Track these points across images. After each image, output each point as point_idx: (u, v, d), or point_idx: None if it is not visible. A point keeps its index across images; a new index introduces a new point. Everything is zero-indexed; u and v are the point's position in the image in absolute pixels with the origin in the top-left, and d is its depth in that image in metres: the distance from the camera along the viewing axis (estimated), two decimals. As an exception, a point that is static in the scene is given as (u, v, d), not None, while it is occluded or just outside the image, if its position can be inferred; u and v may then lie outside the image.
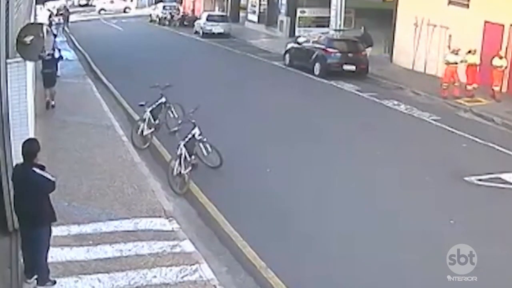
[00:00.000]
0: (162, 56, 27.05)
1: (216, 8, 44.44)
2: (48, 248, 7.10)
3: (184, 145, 10.83)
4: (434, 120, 16.11)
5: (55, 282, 7.16)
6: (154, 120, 13.30)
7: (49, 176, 6.87)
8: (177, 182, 10.70)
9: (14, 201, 7.17)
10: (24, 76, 8.22)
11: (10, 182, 8.02)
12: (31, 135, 9.22)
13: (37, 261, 7.01)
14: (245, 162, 12.07)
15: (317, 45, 22.59)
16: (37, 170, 6.75)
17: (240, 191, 10.65)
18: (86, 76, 20.99)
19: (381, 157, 12.77)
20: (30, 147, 6.83)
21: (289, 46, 24.81)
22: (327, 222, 9.52)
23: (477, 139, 14.19)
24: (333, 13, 27.96)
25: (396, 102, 18.07)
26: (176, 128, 12.29)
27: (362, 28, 24.85)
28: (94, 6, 58.79)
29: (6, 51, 7.87)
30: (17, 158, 8.03)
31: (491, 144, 13.77)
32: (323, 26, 29.34)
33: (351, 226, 9.35)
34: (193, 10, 48.02)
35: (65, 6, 53.75)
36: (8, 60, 7.92)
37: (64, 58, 17.80)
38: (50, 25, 31.98)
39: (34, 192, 6.78)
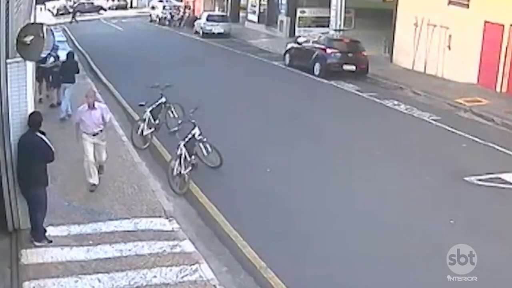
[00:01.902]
0: (162, 56, 27.09)
1: (216, 8, 44.45)
2: (45, 210, 8.17)
3: (184, 145, 10.83)
4: (434, 120, 16.11)
5: (51, 241, 8.10)
6: (154, 120, 13.29)
7: (49, 144, 8.12)
8: (177, 182, 10.70)
9: (17, 167, 8.06)
10: (24, 76, 8.22)
11: (10, 182, 8.07)
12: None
13: (33, 219, 8.12)
14: (245, 162, 12.08)
15: (317, 45, 22.59)
16: (39, 135, 8.07)
17: (240, 191, 10.65)
18: (85, 76, 20.96)
19: (381, 157, 12.77)
20: (35, 118, 8.15)
21: (289, 46, 24.82)
22: (327, 222, 9.52)
23: (477, 139, 14.19)
24: (333, 13, 27.97)
25: (396, 102, 18.07)
26: (176, 128, 12.28)
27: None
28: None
29: (6, 51, 7.88)
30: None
31: (491, 144, 13.77)
32: (323, 26, 29.34)
33: (351, 226, 9.36)
34: (193, 10, 48.03)
35: (65, 6, 53.76)
36: (8, 60, 7.92)
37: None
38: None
39: (33, 154, 7.96)
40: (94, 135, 10.22)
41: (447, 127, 15.31)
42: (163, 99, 13.61)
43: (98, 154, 10.42)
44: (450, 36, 21.18)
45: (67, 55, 15.86)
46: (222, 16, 38.32)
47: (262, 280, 7.73)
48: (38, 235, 8.11)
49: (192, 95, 16.14)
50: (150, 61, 24.75)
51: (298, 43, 24.29)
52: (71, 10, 52.00)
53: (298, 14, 33.00)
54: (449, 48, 21.23)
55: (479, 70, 19.91)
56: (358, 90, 19.88)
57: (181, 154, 10.71)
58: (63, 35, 35.59)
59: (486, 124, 16.18)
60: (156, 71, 20.73)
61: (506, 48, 18.74)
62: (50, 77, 16.13)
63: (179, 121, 12.25)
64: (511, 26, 18.61)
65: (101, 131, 10.35)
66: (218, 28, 35.41)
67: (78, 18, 47.84)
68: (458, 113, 17.31)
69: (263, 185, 11.01)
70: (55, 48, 17.40)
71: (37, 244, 8.02)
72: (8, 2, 7.96)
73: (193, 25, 38.98)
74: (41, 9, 36.06)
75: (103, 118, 10.26)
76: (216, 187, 10.80)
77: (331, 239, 8.89)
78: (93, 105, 10.18)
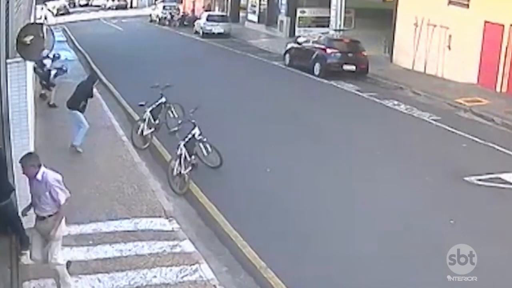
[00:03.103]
0: (162, 56, 27.09)
1: (216, 8, 44.45)
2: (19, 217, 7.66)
3: (184, 145, 10.84)
4: (434, 120, 16.11)
5: None
6: (154, 120, 13.30)
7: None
8: (177, 182, 10.71)
9: None
10: (24, 76, 8.22)
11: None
12: (31, 135, 9.23)
13: (15, 230, 7.85)
14: (245, 162, 12.08)
15: (317, 45, 22.60)
16: None
17: (240, 191, 10.65)
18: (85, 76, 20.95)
19: (381, 157, 12.78)
20: None
21: (289, 46, 24.82)
22: (327, 222, 9.52)
23: (477, 139, 14.19)
24: (333, 13, 27.99)
25: (396, 102, 18.08)
26: (176, 128, 12.29)
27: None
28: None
29: (6, 51, 7.89)
30: (17, 157, 8.07)
31: (491, 144, 13.77)
32: (323, 26, 29.36)
33: (351, 226, 9.36)
34: (193, 10, 48.03)
35: (65, 6, 53.73)
36: (8, 60, 7.93)
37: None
38: None
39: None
40: (41, 219, 6.74)
41: (447, 127, 15.31)
42: (163, 99, 13.62)
43: (48, 254, 6.73)
44: (450, 36, 21.18)
45: (88, 77, 13.71)
46: (222, 16, 38.33)
47: (262, 280, 7.73)
48: (25, 243, 7.70)
49: (192, 95, 16.15)
50: (150, 61, 24.75)
51: (298, 43, 24.29)
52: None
53: (298, 14, 33.01)
54: (449, 48, 21.24)
55: (479, 70, 19.92)
56: (358, 90, 19.88)
57: (181, 154, 10.71)
58: (63, 35, 35.65)
59: (486, 124, 16.19)
60: (156, 71, 20.72)
61: (506, 48, 18.75)
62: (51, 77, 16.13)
63: (179, 121, 12.25)
64: (511, 26, 18.62)
65: (51, 216, 6.65)
66: (218, 28, 35.41)
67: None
68: (458, 113, 17.32)
69: (263, 185, 11.01)
70: (56, 57, 16.98)
71: (23, 252, 7.71)
72: (8, 2, 7.96)
73: (185, 25, 39.02)
74: (41, 8, 36.04)
75: (52, 196, 6.61)
76: (216, 187, 10.80)
77: (331, 239, 8.89)
78: (34, 176, 6.66)
